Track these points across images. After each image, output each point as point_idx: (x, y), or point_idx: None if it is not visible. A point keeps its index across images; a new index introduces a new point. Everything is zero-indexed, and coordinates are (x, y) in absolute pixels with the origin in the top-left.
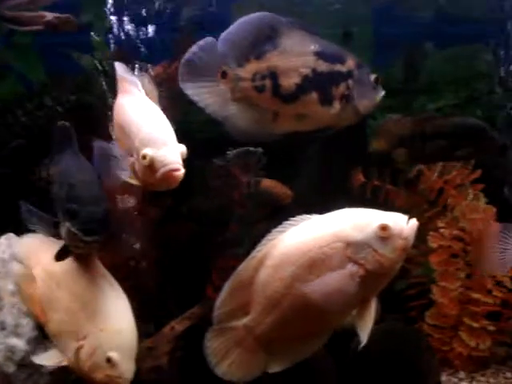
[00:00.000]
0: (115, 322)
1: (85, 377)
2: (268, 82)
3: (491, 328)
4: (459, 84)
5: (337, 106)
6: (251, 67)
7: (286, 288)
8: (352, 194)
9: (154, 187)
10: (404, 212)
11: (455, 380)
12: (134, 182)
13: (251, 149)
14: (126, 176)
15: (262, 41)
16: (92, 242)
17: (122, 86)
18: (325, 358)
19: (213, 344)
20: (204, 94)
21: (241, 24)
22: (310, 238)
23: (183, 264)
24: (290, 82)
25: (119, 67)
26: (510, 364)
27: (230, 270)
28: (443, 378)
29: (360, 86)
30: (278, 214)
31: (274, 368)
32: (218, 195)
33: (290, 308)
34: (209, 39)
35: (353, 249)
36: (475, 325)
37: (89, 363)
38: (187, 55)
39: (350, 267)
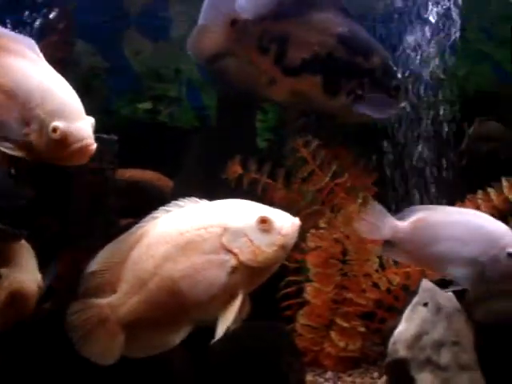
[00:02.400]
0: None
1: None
2: (274, 47)
3: (362, 329)
4: None
5: (341, 99)
6: (263, 25)
7: (156, 267)
8: (228, 186)
9: (61, 162)
10: (280, 208)
11: (321, 380)
12: (18, 153)
13: (104, 136)
14: (7, 147)
15: (288, 3)
16: None
17: (8, 45)
18: (181, 354)
19: (74, 320)
20: (204, 35)
21: None
22: (190, 219)
23: None
24: (296, 54)
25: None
26: (380, 364)
27: (77, 262)
28: (310, 377)
29: (375, 89)
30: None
31: (132, 355)
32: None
33: (156, 290)
34: None
35: (229, 236)
36: (346, 325)
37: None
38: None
39: (223, 255)
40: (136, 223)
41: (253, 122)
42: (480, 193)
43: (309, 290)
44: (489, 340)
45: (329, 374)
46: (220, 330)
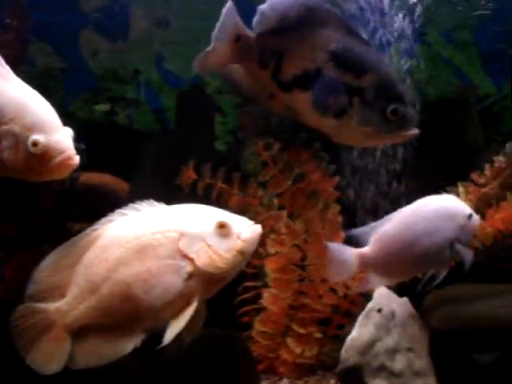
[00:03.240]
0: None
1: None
2: (272, 62)
3: (318, 335)
4: None
5: (332, 120)
6: (265, 39)
7: (109, 271)
8: (183, 191)
9: (40, 177)
10: (236, 213)
11: None
12: None
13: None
14: None
15: (290, 18)
16: None
17: None
18: (130, 362)
19: (19, 325)
20: (210, 53)
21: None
22: (147, 223)
23: None
24: (289, 70)
25: None
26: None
27: (27, 267)
28: None
29: (365, 111)
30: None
31: (77, 365)
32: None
33: (108, 295)
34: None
35: (186, 241)
36: (302, 331)
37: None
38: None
39: (179, 260)
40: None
41: (211, 124)
42: None
43: (266, 296)
44: (444, 346)
45: (284, 381)
46: (169, 335)
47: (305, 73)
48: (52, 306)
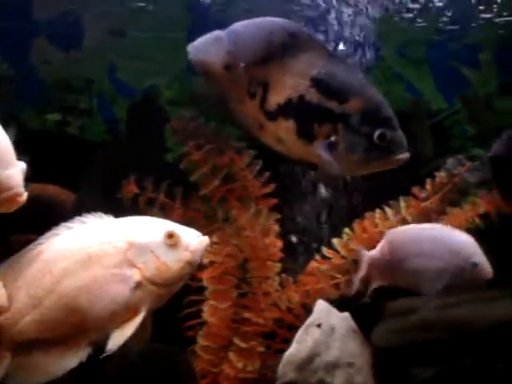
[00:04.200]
0: None
1: None
2: (260, 91)
3: (260, 349)
4: None
5: (318, 148)
6: (252, 70)
7: (53, 284)
8: (124, 205)
9: None
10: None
11: None
12: None
13: None
14: None
15: (275, 46)
16: None
17: None
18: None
19: None
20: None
21: (261, 23)
22: (93, 234)
23: None
24: (274, 99)
25: None
26: None
27: None
28: None
29: (350, 137)
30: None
31: (16, 382)
32: None
33: (52, 308)
34: (217, 33)
35: (134, 251)
36: (244, 345)
37: None
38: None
39: (127, 270)
40: (34, 239)
41: (162, 136)
42: (378, 212)
43: (206, 309)
44: (385, 360)
45: None
46: (113, 344)
47: (288, 101)
48: None
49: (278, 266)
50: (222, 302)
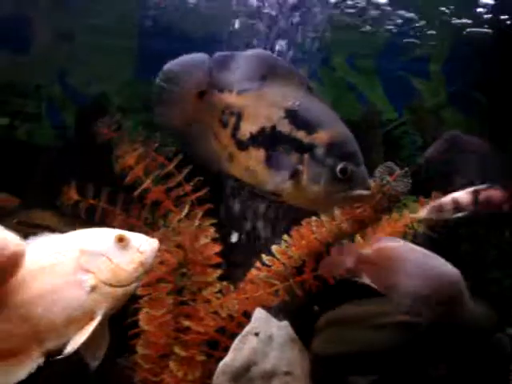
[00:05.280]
0: None
1: None
2: (232, 121)
3: (201, 357)
4: None
5: (285, 177)
6: (228, 98)
7: (5, 296)
8: (64, 212)
9: None
10: None
11: None
12: None
13: None
14: None
15: (253, 78)
16: None
17: None
18: None
19: None
20: (173, 104)
21: (243, 55)
22: (44, 247)
23: None
24: (247, 128)
25: None
26: None
27: None
28: None
29: (314, 168)
30: None
31: None
32: None
33: (4, 320)
34: (201, 55)
35: (87, 257)
36: (184, 354)
37: None
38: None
39: (81, 275)
40: None
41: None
42: (314, 219)
43: (142, 317)
44: (322, 369)
45: None
46: (71, 347)
47: (261, 130)
48: None
49: (217, 272)
50: (157, 309)
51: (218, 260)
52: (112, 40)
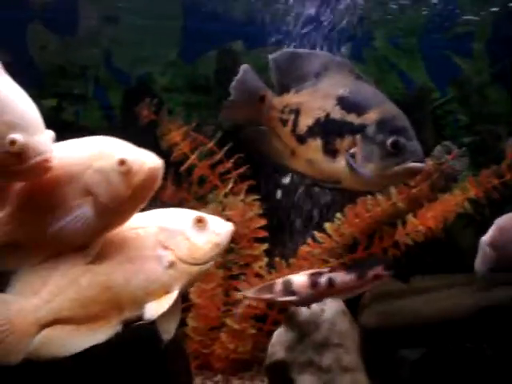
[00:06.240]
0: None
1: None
2: (291, 118)
3: (252, 330)
4: None
5: (341, 161)
6: (286, 98)
7: (88, 264)
8: None
9: (15, 177)
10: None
11: (210, 383)
12: None
13: None
14: None
15: (308, 76)
16: None
17: None
18: None
19: None
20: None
21: (297, 54)
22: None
23: None
24: (305, 122)
25: None
26: None
27: None
28: (198, 381)
29: (366, 146)
30: None
31: (44, 355)
32: None
33: (87, 286)
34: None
35: (166, 234)
36: (236, 327)
37: None
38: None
39: (160, 251)
40: None
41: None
42: (369, 197)
43: (192, 291)
44: (372, 342)
45: (218, 377)
46: (149, 314)
47: (316, 121)
48: (25, 299)
49: (263, 246)
50: (206, 283)
51: (265, 234)
52: (156, 21)
